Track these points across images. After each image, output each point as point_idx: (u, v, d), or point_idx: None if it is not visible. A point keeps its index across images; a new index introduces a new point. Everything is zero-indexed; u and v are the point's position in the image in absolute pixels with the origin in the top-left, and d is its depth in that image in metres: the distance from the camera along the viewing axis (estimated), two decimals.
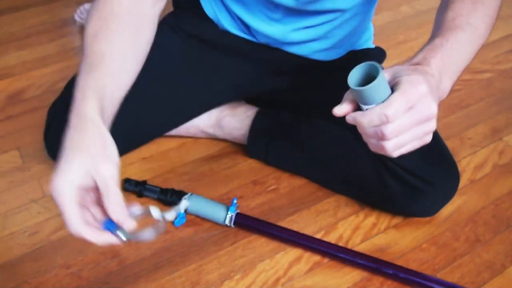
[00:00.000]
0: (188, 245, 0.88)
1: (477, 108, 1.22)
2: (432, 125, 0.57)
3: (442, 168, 0.88)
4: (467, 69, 1.39)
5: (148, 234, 0.59)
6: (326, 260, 0.87)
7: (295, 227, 0.91)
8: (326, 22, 0.88)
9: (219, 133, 1.06)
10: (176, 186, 0.97)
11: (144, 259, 0.85)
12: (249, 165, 1.04)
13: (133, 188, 0.94)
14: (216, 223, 0.91)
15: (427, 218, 0.94)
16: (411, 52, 1.35)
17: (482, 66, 1.38)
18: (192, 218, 0.92)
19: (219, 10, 0.95)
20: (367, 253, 0.87)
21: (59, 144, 0.93)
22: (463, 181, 1.00)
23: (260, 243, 0.89)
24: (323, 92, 0.98)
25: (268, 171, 1.03)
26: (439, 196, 0.90)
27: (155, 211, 0.60)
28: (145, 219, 0.60)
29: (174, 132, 1.05)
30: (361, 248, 0.89)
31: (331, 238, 0.91)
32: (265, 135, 1.00)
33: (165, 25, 0.95)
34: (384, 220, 0.94)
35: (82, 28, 1.45)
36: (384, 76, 0.56)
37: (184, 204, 0.73)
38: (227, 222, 0.89)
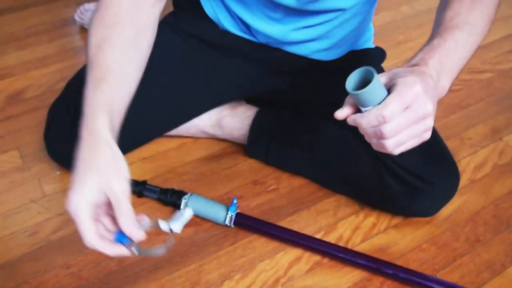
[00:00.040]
0: (188, 245, 0.88)
1: (477, 108, 1.22)
2: (429, 123, 0.60)
3: (442, 168, 0.88)
4: (467, 69, 1.39)
5: (159, 251, 0.63)
6: (326, 260, 0.87)
7: (295, 227, 0.91)
8: (326, 21, 0.88)
9: (219, 133, 1.06)
10: (176, 186, 0.97)
11: (144, 259, 0.85)
12: (249, 165, 1.04)
13: (133, 188, 0.94)
14: (216, 223, 0.91)
15: (427, 218, 0.94)
16: (411, 52, 1.35)
17: (482, 66, 1.38)
18: (192, 218, 0.92)
19: (219, 10, 0.95)
20: (367, 253, 0.87)
21: (59, 144, 0.94)
22: (463, 181, 1.00)
23: (260, 243, 0.89)
24: (323, 92, 0.98)
25: (268, 171, 1.03)
26: (439, 196, 0.90)
27: (163, 224, 0.64)
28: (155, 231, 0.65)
29: (174, 132, 1.05)
30: (361, 248, 0.89)
31: (331, 238, 0.91)
32: (265, 135, 1.01)
33: (165, 25, 0.95)
34: (384, 220, 0.94)
35: (82, 28, 1.45)
36: (382, 78, 0.60)
37: (188, 213, 0.74)
38: (227, 222, 0.89)
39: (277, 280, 0.83)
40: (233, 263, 0.86)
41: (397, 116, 0.57)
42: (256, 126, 1.01)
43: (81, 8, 1.42)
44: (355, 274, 0.85)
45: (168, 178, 1.00)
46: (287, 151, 1.00)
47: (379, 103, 0.57)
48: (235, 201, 0.89)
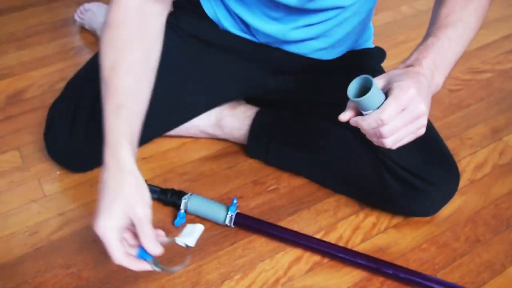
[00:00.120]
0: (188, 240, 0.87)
1: (477, 108, 1.22)
2: (423, 121, 0.66)
3: (442, 168, 0.88)
4: (467, 69, 1.40)
5: (177, 268, 0.74)
6: (326, 260, 0.87)
7: (295, 227, 0.91)
8: (326, 20, 0.88)
9: (219, 133, 1.06)
10: (176, 186, 0.97)
11: None
12: (249, 165, 1.04)
13: None
14: (216, 223, 0.91)
15: (427, 218, 0.94)
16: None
17: (482, 66, 1.38)
18: (192, 218, 0.92)
19: (219, 10, 0.95)
20: (367, 253, 0.87)
21: (59, 144, 0.94)
22: (463, 181, 1.00)
23: (260, 243, 0.89)
24: (323, 92, 0.98)
25: (268, 171, 1.03)
26: (439, 196, 0.90)
27: (179, 240, 0.73)
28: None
29: (174, 132, 1.05)
30: (361, 248, 0.89)
31: (331, 238, 0.91)
32: (265, 135, 1.01)
33: (165, 25, 0.95)
34: (384, 220, 0.94)
35: (82, 28, 1.45)
36: (380, 81, 0.67)
37: (199, 228, 0.77)
38: (227, 222, 0.89)
39: (277, 280, 0.83)
40: (233, 263, 0.86)
41: (394, 118, 0.64)
42: (256, 126, 1.01)
43: (81, 8, 1.42)
44: (355, 274, 0.85)
45: (168, 178, 1.00)
46: (287, 151, 1.00)
47: (378, 107, 0.64)
48: (235, 201, 0.89)
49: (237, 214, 0.89)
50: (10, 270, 0.83)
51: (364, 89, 0.64)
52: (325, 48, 0.96)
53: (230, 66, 0.99)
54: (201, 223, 0.91)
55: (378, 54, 1.06)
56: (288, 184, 1.00)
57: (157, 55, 0.75)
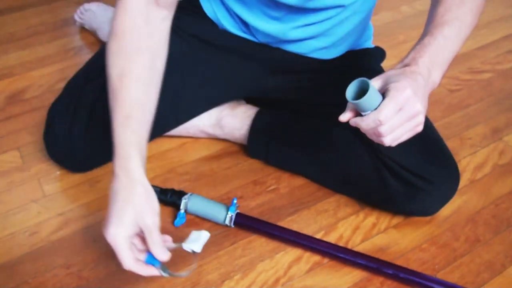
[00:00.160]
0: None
1: (477, 108, 1.22)
2: (419, 119, 0.68)
3: (442, 167, 0.88)
4: (467, 69, 1.40)
5: (184, 273, 0.78)
6: (326, 260, 0.87)
7: (295, 227, 0.91)
8: (326, 19, 0.88)
9: (219, 133, 1.06)
10: (176, 186, 0.97)
11: None
12: (249, 165, 1.04)
13: None
14: (216, 223, 0.91)
15: (427, 218, 0.94)
16: None
17: (482, 66, 1.38)
18: (192, 218, 0.92)
19: (218, 10, 0.95)
20: (367, 253, 0.87)
21: (58, 144, 0.94)
22: (463, 181, 1.00)
23: (260, 243, 0.89)
24: (323, 92, 0.98)
25: (268, 171, 1.03)
26: (439, 196, 0.90)
27: (185, 246, 0.75)
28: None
29: (174, 132, 1.05)
30: (361, 248, 0.89)
31: (331, 238, 0.91)
32: (265, 135, 1.01)
33: None
34: (384, 220, 0.94)
35: (82, 28, 1.45)
36: (378, 82, 0.70)
37: (205, 234, 0.78)
38: (227, 222, 0.89)
39: (277, 280, 0.83)
40: (233, 263, 0.86)
41: (391, 118, 0.66)
42: (256, 126, 1.01)
43: (81, 8, 1.42)
44: (355, 274, 0.85)
45: (168, 178, 1.00)
46: (287, 151, 1.00)
47: (376, 108, 0.66)
48: (235, 201, 0.89)
49: (237, 214, 0.89)
50: (10, 270, 0.83)
51: (362, 91, 0.67)
52: (325, 48, 0.96)
53: (230, 66, 0.99)
54: (201, 223, 0.92)
55: (378, 54, 1.06)
56: (288, 184, 1.00)
57: (163, 61, 0.76)
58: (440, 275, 0.85)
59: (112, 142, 0.70)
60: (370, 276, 0.85)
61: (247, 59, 0.98)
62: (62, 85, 1.01)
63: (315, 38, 0.93)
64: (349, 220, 0.94)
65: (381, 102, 0.66)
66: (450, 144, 1.07)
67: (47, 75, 1.27)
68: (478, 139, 1.13)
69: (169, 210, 0.93)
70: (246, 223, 0.90)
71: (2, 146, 1.06)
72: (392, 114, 0.66)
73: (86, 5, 1.41)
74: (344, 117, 0.72)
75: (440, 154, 0.89)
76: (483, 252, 0.89)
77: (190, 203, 0.91)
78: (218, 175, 1.02)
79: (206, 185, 0.99)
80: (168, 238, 0.74)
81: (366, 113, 0.68)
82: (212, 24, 0.97)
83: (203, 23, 0.97)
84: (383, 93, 0.68)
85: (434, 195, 0.88)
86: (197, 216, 0.92)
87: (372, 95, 0.66)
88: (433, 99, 1.24)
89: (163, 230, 0.71)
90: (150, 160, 1.04)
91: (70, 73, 1.04)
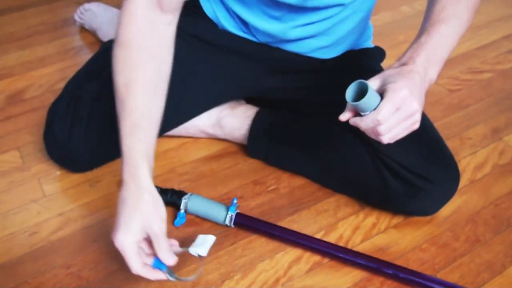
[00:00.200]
0: (188, 245, 0.87)
1: (477, 108, 1.22)
2: (416, 118, 0.71)
3: (443, 167, 0.88)
4: (467, 69, 1.40)
5: (190, 278, 0.80)
6: (326, 260, 0.87)
7: (295, 227, 0.91)
8: (326, 18, 0.88)
9: (219, 133, 1.06)
10: (176, 186, 0.97)
11: None
12: (249, 165, 1.04)
13: None
14: (216, 223, 0.91)
15: (427, 218, 0.94)
16: None
17: (482, 66, 1.38)
18: (192, 218, 0.92)
19: (218, 10, 0.95)
20: (367, 253, 0.87)
21: (58, 144, 0.94)
22: (463, 181, 1.00)
23: (260, 243, 0.89)
24: (323, 92, 0.98)
25: (268, 171, 1.03)
26: (439, 195, 0.90)
27: (192, 250, 0.78)
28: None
29: (174, 132, 1.05)
30: (361, 248, 0.89)
31: (331, 238, 0.91)
32: (265, 135, 1.01)
33: None
34: (384, 220, 0.94)
35: (82, 28, 1.45)
36: (376, 82, 0.72)
37: (211, 238, 0.81)
38: (227, 222, 0.89)
39: (277, 280, 0.83)
40: (233, 263, 0.86)
41: (389, 118, 0.69)
42: (256, 126, 1.01)
43: (81, 8, 1.42)
44: (355, 274, 0.85)
45: (168, 178, 1.00)
46: (287, 151, 1.00)
47: (374, 109, 0.69)
48: (235, 201, 0.89)
49: (237, 214, 0.89)
50: (10, 270, 0.83)
51: (361, 92, 0.69)
52: (325, 47, 0.96)
53: (229, 66, 0.99)
54: (201, 223, 0.92)
55: (378, 54, 1.06)
56: (288, 184, 1.00)
57: (168, 66, 0.76)
58: (440, 275, 0.85)
59: (120, 150, 0.72)
60: (370, 276, 0.85)
61: (247, 59, 0.98)
62: (62, 85, 1.01)
63: (315, 37, 0.93)
64: (349, 220, 0.94)
65: (379, 103, 0.69)
66: (450, 144, 1.07)
67: (47, 75, 1.27)
68: (478, 139, 1.13)
69: (169, 210, 0.93)
70: (246, 223, 0.90)
71: (2, 146, 1.06)
72: (389, 114, 0.68)
73: (86, 5, 1.41)
74: (344, 116, 0.74)
75: (440, 154, 0.89)
76: (483, 252, 0.89)
77: (190, 203, 0.91)
78: (218, 175, 1.02)
79: (206, 185, 0.99)
80: (175, 243, 0.76)
81: (365, 113, 0.70)
82: (212, 24, 0.97)
83: (203, 23, 0.97)
84: (381, 93, 0.70)
85: (434, 195, 0.88)
86: (197, 216, 0.92)
87: (371, 97, 0.68)
88: (433, 99, 1.24)
89: None
90: None
91: (70, 73, 1.05)
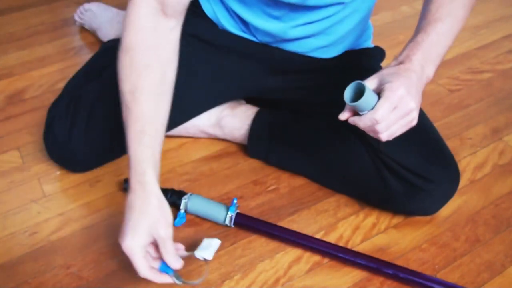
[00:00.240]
0: (188, 245, 0.87)
1: (477, 108, 1.22)
2: (413, 115, 0.72)
3: (443, 167, 0.88)
4: (467, 69, 1.40)
5: (196, 281, 0.80)
6: (326, 260, 0.87)
7: (295, 227, 0.91)
8: (327, 17, 0.88)
9: (219, 133, 1.06)
10: (176, 186, 0.97)
11: None
12: (249, 165, 1.04)
13: None
14: (216, 223, 0.91)
15: (427, 218, 0.94)
16: None
17: (482, 66, 1.38)
18: (192, 218, 0.92)
19: (218, 9, 0.95)
20: (367, 253, 0.87)
21: (58, 144, 0.94)
22: (463, 181, 1.00)
23: (260, 243, 0.89)
24: (323, 92, 0.98)
25: (268, 171, 1.03)
26: (439, 195, 0.90)
27: (197, 254, 0.79)
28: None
29: (174, 132, 1.05)
30: (361, 248, 0.89)
31: (331, 238, 0.91)
32: (265, 135, 1.01)
33: None
34: (384, 220, 0.94)
35: (82, 28, 1.45)
36: (373, 82, 0.73)
37: (216, 242, 0.82)
38: (227, 222, 0.89)
39: (277, 280, 0.83)
40: (233, 263, 0.86)
41: (387, 117, 0.70)
42: (256, 126, 1.01)
43: (81, 8, 1.42)
44: (355, 274, 0.85)
45: (168, 178, 1.00)
46: (287, 151, 1.00)
47: (372, 108, 0.70)
48: (235, 201, 0.89)
49: (237, 214, 0.89)
50: (10, 270, 0.83)
51: (359, 92, 0.71)
52: (325, 46, 0.96)
53: (229, 66, 0.99)
54: (201, 223, 0.92)
55: (377, 54, 1.06)
56: (288, 184, 1.00)
57: (173, 71, 0.77)
58: (440, 275, 0.85)
59: (128, 155, 0.73)
60: (370, 276, 0.85)
61: (247, 59, 0.98)
62: (62, 85, 1.01)
63: (315, 36, 0.93)
64: (349, 220, 0.94)
65: (376, 102, 0.70)
66: (450, 144, 1.07)
67: (47, 75, 1.27)
68: (478, 139, 1.13)
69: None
70: (246, 223, 0.90)
71: (2, 146, 1.06)
72: (387, 113, 0.70)
73: (86, 5, 1.41)
74: (343, 116, 0.75)
75: (440, 154, 0.89)
76: (483, 252, 0.89)
77: (190, 203, 0.91)
78: (218, 175, 1.02)
79: (206, 185, 0.99)
80: (181, 247, 0.77)
81: (363, 112, 0.72)
82: (211, 24, 0.97)
83: (203, 23, 0.97)
84: (379, 92, 0.72)
85: (434, 195, 0.88)
86: (197, 216, 0.92)
87: (368, 97, 0.69)
88: (433, 99, 1.24)
89: None
90: None
91: (70, 73, 1.05)
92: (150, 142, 0.73)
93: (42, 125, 0.98)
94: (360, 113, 0.73)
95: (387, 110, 0.70)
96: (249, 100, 1.10)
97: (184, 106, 1.00)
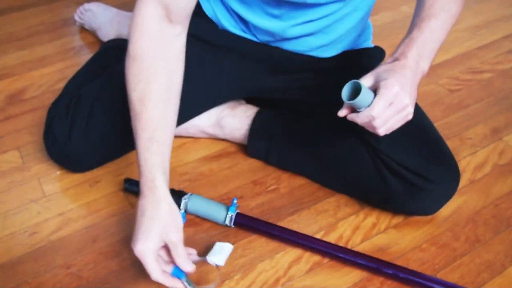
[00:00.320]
0: (188, 245, 0.87)
1: (477, 108, 1.22)
2: (408, 110, 0.75)
3: (443, 166, 0.88)
4: (467, 69, 1.40)
5: (210, 287, 0.80)
6: (326, 260, 0.87)
7: (295, 227, 0.91)
8: (326, 16, 0.88)
9: (219, 133, 1.06)
10: (176, 186, 0.97)
11: None
12: (249, 165, 1.04)
13: (133, 188, 0.94)
14: (216, 223, 0.91)
15: (427, 218, 0.94)
16: None
17: (482, 66, 1.38)
18: (192, 218, 0.92)
19: (217, 9, 0.95)
20: (367, 253, 0.87)
21: (58, 144, 0.94)
22: (463, 181, 1.00)
23: (260, 243, 0.89)
24: (323, 92, 0.98)
25: (268, 171, 1.03)
26: (439, 195, 0.90)
27: (210, 259, 0.81)
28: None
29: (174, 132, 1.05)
30: (361, 248, 0.89)
31: (331, 238, 0.91)
32: (265, 135, 1.01)
33: None
34: (384, 220, 0.94)
35: (82, 28, 1.45)
36: (369, 79, 0.76)
37: (228, 247, 0.84)
38: (227, 222, 0.89)
39: (277, 280, 0.83)
40: (233, 263, 0.86)
41: (382, 113, 0.73)
42: (256, 126, 1.01)
43: (81, 8, 1.42)
44: (355, 274, 0.85)
45: None
46: (287, 151, 1.00)
47: (369, 105, 0.74)
48: (235, 201, 0.89)
49: (237, 214, 0.89)
50: (10, 270, 0.83)
51: (356, 90, 0.74)
52: (324, 45, 0.96)
53: (229, 66, 0.99)
54: (201, 223, 0.92)
55: (377, 54, 1.06)
56: (288, 184, 1.00)
57: (180, 77, 0.79)
58: (440, 275, 0.85)
59: (137, 162, 0.75)
60: (370, 276, 0.85)
61: (247, 59, 0.98)
62: (62, 85, 1.01)
63: (314, 35, 0.93)
64: (349, 220, 0.94)
65: (373, 99, 0.73)
66: (450, 144, 1.07)
67: (47, 75, 1.27)
68: (478, 139, 1.13)
69: None
70: (246, 223, 0.90)
71: (2, 146, 1.06)
72: (383, 110, 0.73)
73: (86, 5, 1.41)
74: (342, 113, 0.78)
75: (440, 154, 0.90)
76: (483, 252, 0.89)
77: (190, 203, 0.91)
78: (218, 175, 1.02)
79: (206, 185, 0.99)
80: (192, 251, 0.79)
81: (360, 110, 0.75)
82: (211, 24, 0.97)
83: (202, 23, 0.97)
84: (375, 89, 0.75)
85: (434, 195, 0.89)
86: (197, 216, 0.92)
87: (364, 95, 0.73)
88: (433, 99, 1.24)
89: None
90: None
91: (70, 73, 1.05)
92: (159, 149, 0.74)
93: (42, 125, 0.98)
94: (358, 110, 0.75)
95: (383, 107, 0.73)
96: (249, 100, 1.10)
97: (184, 106, 0.99)
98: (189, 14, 0.77)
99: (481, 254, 0.89)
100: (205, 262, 0.82)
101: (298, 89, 1.02)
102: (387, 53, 1.08)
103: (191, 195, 0.92)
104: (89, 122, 0.92)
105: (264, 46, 0.97)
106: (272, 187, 1.00)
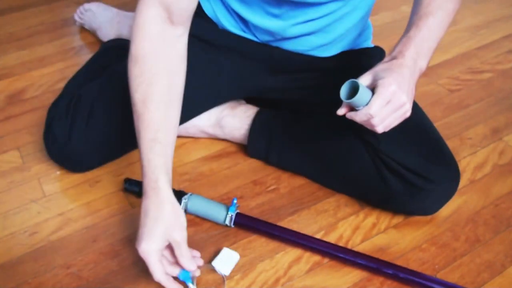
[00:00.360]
0: (188, 245, 0.87)
1: (477, 108, 1.22)
2: (406, 108, 0.76)
3: (443, 166, 0.88)
4: (467, 69, 1.40)
5: None
6: (326, 260, 0.87)
7: (295, 227, 0.91)
8: (326, 15, 0.88)
9: (219, 133, 1.06)
10: (176, 186, 0.97)
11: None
12: (249, 165, 1.04)
13: (133, 188, 0.94)
14: (216, 223, 0.91)
15: (427, 218, 0.94)
16: None
17: (482, 66, 1.38)
18: (192, 218, 0.92)
19: (218, 9, 0.95)
20: (367, 253, 0.87)
21: (58, 144, 0.94)
22: (463, 181, 1.00)
23: (260, 243, 0.89)
24: (323, 92, 0.98)
25: (268, 171, 1.03)
26: (439, 195, 0.90)
27: (216, 266, 0.83)
28: None
29: None
30: (361, 248, 0.89)
31: (331, 238, 0.91)
32: (265, 135, 1.01)
33: None
34: (384, 220, 0.94)
35: (82, 28, 1.45)
36: (367, 78, 0.77)
37: (235, 256, 0.84)
38: (227, 222, 0.89)
39: (277, 280, 0.83)
40: None
41: (380, 112, 0.74)
42: (256, 126, 1.01)
43: (81, 8, 1.42)
44: (355, 274, 0.85)
45: None
46: (287, 151, 1.00)
47: (367, 104, 0.75)
48: (235, 201, 0.89)
49: (237, 214, 0.89)
50: (10, 270, 0.83)
51: (354, 89, 0.75)
52: (324, 45, 0.96)
53: (229, 66, 0.99)
54: (201, 223, 0.92)
55: (377, 54, 1.06)
56: (288, 184, 1.00)
57: (182, 78, 0.79)
58: (440, 275, 0.85)
59: (140, 163, 0.75)
60: (370, 276, 0.85)
61: (247, 59, 0.98)
62: (62, 85, 1.01)
63: (314, 34, 0.93)
64: (349, 220, 0.94)
65: (371, 98, 0.75)
66: (450, 144, 1.07)
67: (47, 75, 1.27)
68: (478, 139, 1.13)
69: None
70: (246, 223, 0.90)
71: (2, 146, 1.06)
72: (380, 108, 0.74)
73: (86, 5, 1.41)
74: (341, 111, 0.79)
75: (440, 154, 0.90)
76: (483, 252, 0.89)
77: (190, 203, 0.91)
78: (218, 175, 1.02)
79: (206, 185, 0.99)
80: (197, 254, 0.79)
81: (359, 108, 0.76)
82: (211, 24, 0.97)
83: (202, 23, 0.97)
84: (373, 88, 0.75)
85: (434, 194, 0.89)
86: (197, 216, 0.92)
87: (362, 94, 0.74)
88: (433, 99, 1.24)
89: None
90: None
91: (70, 73, 1.05)
92: (162, 150, 0.74)
93: (42, 125, 0.98)
94: (356, 108, 0.77)
95: (380, 105, 0.74)
96: (249, 100, 1.10)
97: (184, 106, 0.99)
98: (191, 15, 0.77)
99: (481, 254, 0.89)
100: (209, 267, 0.83)
101: (298, 89, 1.02)
102: (387, 53, 1.08)
103: (191, 195, 0.92)
104: (89, 122, 0.92)
105: (264, 46, 0.97)
106: (272, 187, 1.00)
